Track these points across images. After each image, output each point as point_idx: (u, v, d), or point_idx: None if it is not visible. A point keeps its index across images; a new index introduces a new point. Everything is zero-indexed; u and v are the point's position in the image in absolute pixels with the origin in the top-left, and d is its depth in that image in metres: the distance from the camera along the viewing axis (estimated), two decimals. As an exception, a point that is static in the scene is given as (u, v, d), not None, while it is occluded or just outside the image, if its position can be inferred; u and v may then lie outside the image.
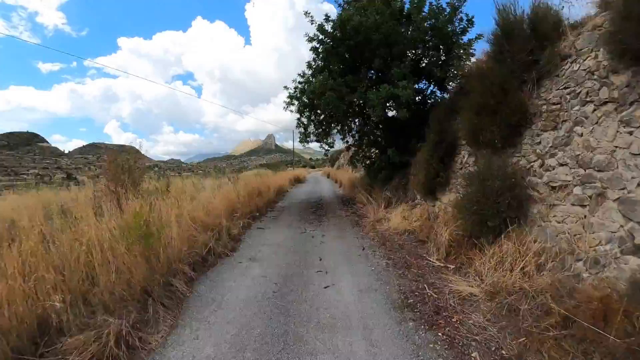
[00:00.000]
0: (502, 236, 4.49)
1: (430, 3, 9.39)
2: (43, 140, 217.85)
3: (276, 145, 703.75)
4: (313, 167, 72.57)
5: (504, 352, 3.08)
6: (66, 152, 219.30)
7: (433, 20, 9.18)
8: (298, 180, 22.45)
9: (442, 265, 5.28)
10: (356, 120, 12.16)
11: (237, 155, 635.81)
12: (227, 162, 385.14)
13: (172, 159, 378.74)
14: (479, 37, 9.08)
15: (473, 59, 8.34)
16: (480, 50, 9.19)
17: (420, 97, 10.19)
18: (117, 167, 7.73)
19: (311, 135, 12.40)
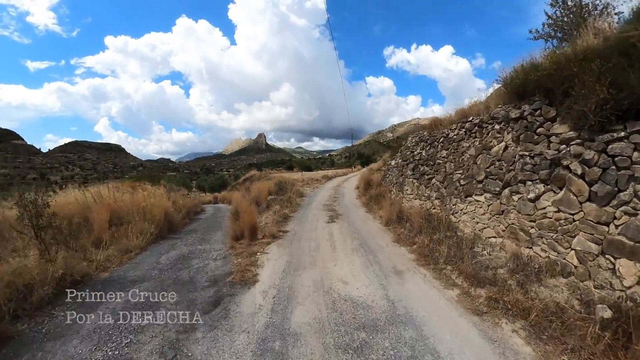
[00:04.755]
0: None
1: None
2: (18, 137, 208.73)
3: (267, 145, 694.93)
4: (309, 169, 57.75)
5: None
6: (42, 150, 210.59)
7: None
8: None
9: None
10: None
11: (227, 154, 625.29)
12: (217, 162, 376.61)
13: (162, 158, 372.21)
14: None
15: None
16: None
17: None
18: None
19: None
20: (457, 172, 8.92)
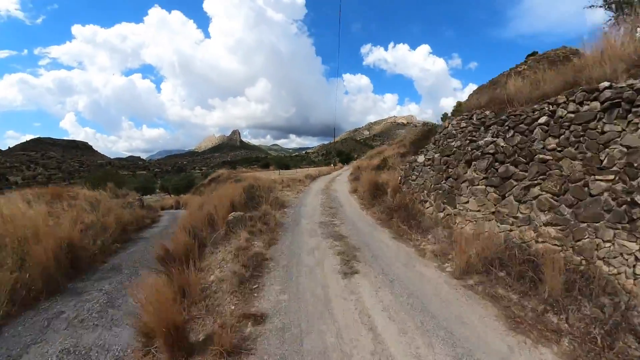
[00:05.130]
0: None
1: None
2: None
3: (241, 142, 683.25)
4: (287, 168, 49.80)
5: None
6: (2, 148, 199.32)
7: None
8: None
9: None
10: None
11: (200, 152, 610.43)
12: (189, 160, 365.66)
13: (131, 156, 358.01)
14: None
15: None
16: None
17: None
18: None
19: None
20: (600, 177, 4.61)
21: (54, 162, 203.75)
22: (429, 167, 8.92)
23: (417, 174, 9.53)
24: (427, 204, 8.72)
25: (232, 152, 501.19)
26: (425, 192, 8.90)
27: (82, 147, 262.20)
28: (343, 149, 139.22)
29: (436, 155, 8.61)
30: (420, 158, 9.50)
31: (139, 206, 17.70)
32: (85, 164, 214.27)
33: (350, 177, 23.11)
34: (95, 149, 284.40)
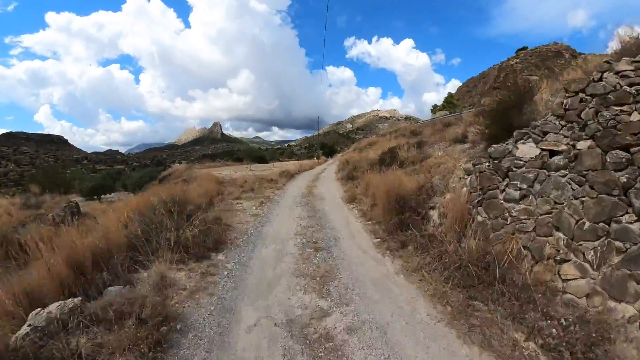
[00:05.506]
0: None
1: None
2: None
3: (222, 134, 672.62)
4: (263, 161, 39.47)
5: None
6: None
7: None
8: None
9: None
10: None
11: (180, 145, 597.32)
12: (169, 153, 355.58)
13: (109, 150, 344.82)
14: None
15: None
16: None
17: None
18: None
19: None
20: None
21: (27, 157, 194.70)
22: (560, 171, 3.69)
23: (521, 186, 4.21)
24: (569, 270, 3.42)
25: (213, 144, 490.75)
26: (562, 238, 3.58)
27: (57, 142, 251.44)
28: (326, 142, 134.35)
29: (581, 145, 3.42)
30: (527, 150, 4.23)
31: (52, 222, 12.28)
32: (60, 159, 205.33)
33: (340, 174, 18.45)
34: (72, 143, 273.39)
